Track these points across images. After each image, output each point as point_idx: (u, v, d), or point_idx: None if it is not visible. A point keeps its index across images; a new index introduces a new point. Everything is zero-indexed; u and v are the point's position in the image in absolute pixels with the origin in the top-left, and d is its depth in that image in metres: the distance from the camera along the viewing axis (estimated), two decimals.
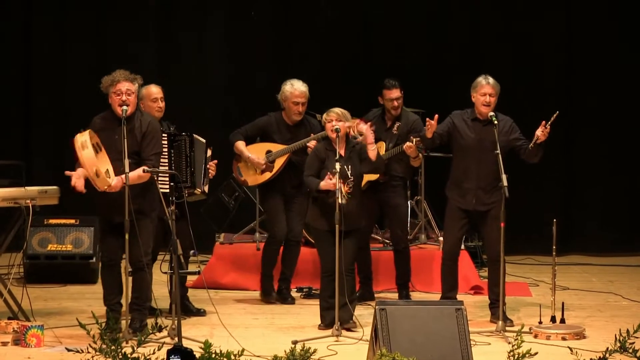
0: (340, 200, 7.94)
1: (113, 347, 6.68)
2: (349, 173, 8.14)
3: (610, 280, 10.44)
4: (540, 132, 8.28)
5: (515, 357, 6.73)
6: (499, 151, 8.19)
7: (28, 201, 8.10)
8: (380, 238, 10.12)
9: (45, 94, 11.65)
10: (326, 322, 8.23)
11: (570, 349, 7.17)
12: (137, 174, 7.76)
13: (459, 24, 11.68)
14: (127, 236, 7.65)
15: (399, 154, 8.99)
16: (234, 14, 11.65)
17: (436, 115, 8.39)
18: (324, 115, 8.31)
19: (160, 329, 7.25)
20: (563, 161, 11.65)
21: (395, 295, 9.32)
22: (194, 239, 7.95)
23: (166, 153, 8.36)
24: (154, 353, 6.72)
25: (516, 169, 8.69)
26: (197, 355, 6.69)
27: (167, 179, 8.20)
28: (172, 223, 7.54)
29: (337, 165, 8.01)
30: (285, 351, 6.80)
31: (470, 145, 8.48)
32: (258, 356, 7.36)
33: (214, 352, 6.58)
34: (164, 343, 6.96)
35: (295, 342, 7.50)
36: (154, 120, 8.10)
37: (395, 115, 9.13)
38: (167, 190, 8.07)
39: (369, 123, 8.39)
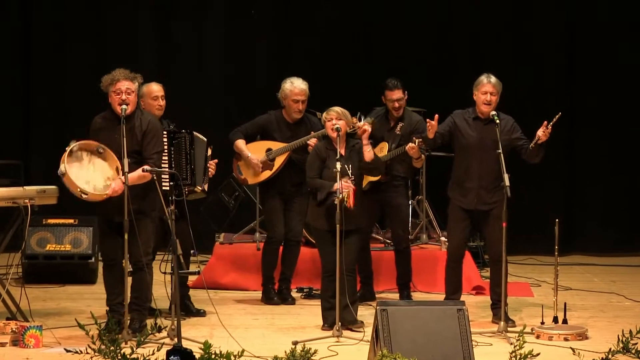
0: (346, 204, 7.91)
1: (112, 348, 6.68)
2: (349, 172, 8.11)
3: (612, 281, 10.43)
4: (542, 133, 8.26)
5: (517, 358, 6.74)
6: (500, 150, 8.17)
7: (27, 201, 8.10)
8: (381, 238, 10.10)
9: (45, 94, 11.66)
10: (329, 323, 8.21)
11: (573, 349, 7.19)
12: (138, 174, 7.75)
13: (459, 24, 11.67)
14: (126, 236, 7.62)
15: (401, 154, 8.96)
16: (234, 13, 11.65)
17: (436, 116, 8.37)
18: (324, 114, 8.30)
19: (159, 330, 7.29)
20: (564, 161, 11.66)
21: (397, 296, 9.31)
22: (194, 239, 7.92)
23: (166, 150, 8.33)
24: (153, 354, 6.74)
25: (517, 169, 8.68)
26: (197, 356, 6.71)
27: (167, 177, 8.18)
28: (172, 223, 7.51)
29: (338, 165, 7.99)
30: (285, 352, 6.81)
31: (472, 145, 8.45)
32: (258, 357, 7.34)
33: (213, 352, 6.59)
34: (163, 344, 6.97)
35: (295, 343, 7.50)
36: (155, 119, 8.08)
37: (397, 116, 9.10)
38: (167, 189, 8.06)
39: (365, 123, 8.31)
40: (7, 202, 8.08)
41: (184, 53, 11.62)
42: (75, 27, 11.58)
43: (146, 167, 7.76)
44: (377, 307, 7.02)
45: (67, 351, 7.19)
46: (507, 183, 8.04)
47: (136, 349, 6.74)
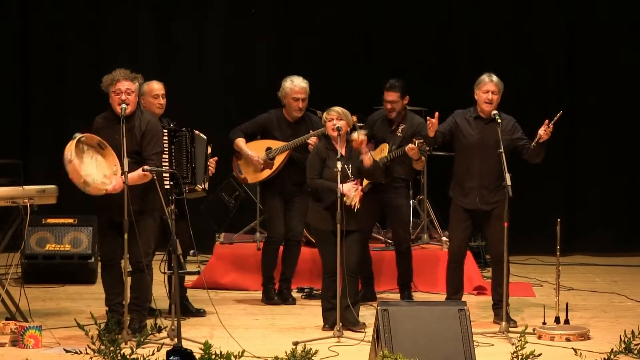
0: (352, 206, 7.89)
1: (112, 348, 6.66)
2: (349, 172, 8.08)
3: (614, 281, 10.42)
4: (543, 132, 8.25)
5: (519, 358, 6.73)
6: (502, 150, 8.14)
7: (26, 200, 8.09)
8: (382, 238, 10.08)
9: (45, 94, 11.66)
10: (329, 323, 8.19)
11: (575, 350, 7.19)
12: (138, 174, 7.74)
13: (459, 24, 11.67)
14: (126, 236, 7.61)
15: (401, 155, 8.94)
16: (234, 13, 11.65)
17: (437, 113, 8.35)
18: (325, 114, 8.28)
19: (159, 330, 7.30)
20: (566, 161, 11.65)
21: (398, 296, 9.29)
22: (194, 239, 7.90)
23: (167, 149, 8.31)
24: (153, 354, 6.75)
25: (518, 169, 8.69)
26: (197, 356, 6.72)
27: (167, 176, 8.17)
28: (171, 223, 7.49)
29: (339, 165, 7.97)
30: (286, 352, 6.81)
31: (473, 144, 8.44)
32: (258, 357, 7.33)
33: (213, 353, 6.59)
34: (163, 344, 6.97)
35: (296, 343, 7.49)
36: (154, 119, 8.07)
37: (390, 118, 9.07)
38: (168, 188, 8.06)
39: (359, 134, 8.26)
40: (6, 202, 8.07)
41: (184, 53, 11.62)
42: (75, 27, 11.59)
43: (146, 166, 7.73)
44: (378, 307, 7.01)
45: (67, 351, 7.19)
46: (509, 183, 8.03)
47: (136, 349, 6.75)
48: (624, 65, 11.57)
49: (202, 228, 9.59)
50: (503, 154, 8.14)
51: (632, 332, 7.07)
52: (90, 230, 10.00)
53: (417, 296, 9.43)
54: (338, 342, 7.85)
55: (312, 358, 6.80)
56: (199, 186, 8.62)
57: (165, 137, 8.31)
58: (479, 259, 10.50)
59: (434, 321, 6.98)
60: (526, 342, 6.81)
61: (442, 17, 11.68)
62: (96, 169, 7.72)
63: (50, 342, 7.73)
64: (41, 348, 7.63)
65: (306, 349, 6.77)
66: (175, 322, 7.37)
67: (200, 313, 8.73)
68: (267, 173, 9.18)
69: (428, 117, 8.37)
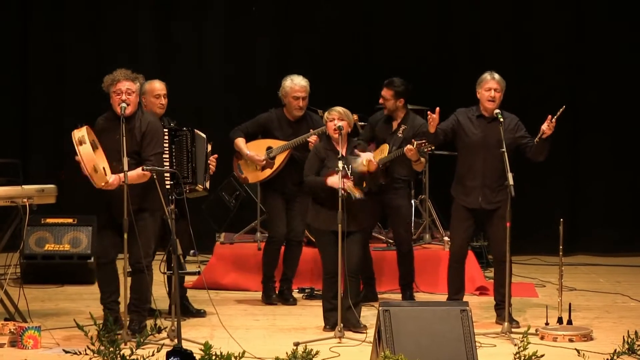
0: (352, 198, 7.84)
1: (111, 349, 6.65)
2: (348, 173, 8.03)
3: (617, 281, 10.41)
4: (546, 127, 8.23)
5: (522, 359, 6.65)
6: (504, 149, 8.11)
7: (25, 200, 8.07)
8: (383, 238, 10.06)
9: (44, 93, 11.68)
10: (330, 324, 8.16)
11: (578, 350, 7.17)
12: (137, 174, 7.72)
13: (459, 24, 11.68)
14: (125, 236, 7.59)
15: (401, 156, 8.91)
16: (234, 13, 11.66)
17: (437, 109, 8.32)
18: (326, 114, 8.26)
19: (159, 331, 7.29)
20: (568, 160, 11.68)
21: (399, 296, 9.28)
22: (194, 239, 7.87)
23: (167, 149, 8.29)
24: (153, 355, 6.73)
25: (521, 168, 8.66)
26: (197, 357, 6.73)
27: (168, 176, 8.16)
28: (171, 222, 7.47)
29: (340, 164, 7.93)
30: (287, 353, 6.77)
31: (475, 143, 8.41)
32: (259, 358, 7.31)
33: (214, 354, 6.58)
34: (163, 345, 6.95)
35: (297, 344, 7.48)
36: (155, 120, 8.05)
37: (392, 119, 9.03)
38: (168, 188, 8.05)
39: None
40: (5, 202, 8.06)
41: (184, 53, 11.65)
42: (75, 27, 11.61)
43: (145, 166, 7.70)
44: (380, 308, 7.00)
45: (66, 352, 7.18)
46: (511, 182, 8.00)
47: (136, 350, 6.74)
48: (625, 64, 11.58)
49: (202, 228, 9.58)
50: (505, 154, 8.12)
51: (636, 332, 7.03)
52: (90, 230, 9.99)
53: (419, 296, 9.42)
54: (339, 342, 7.82)
55: (313, 359, 6.77)
56: (200, 186, 8.60)
57: (166, 137, 8.30)
58: (481, 259, 10.50)
59: (436, 322, 6.97)
60: (529, 343, 6.78)
61: (442, 17, 11.70)
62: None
63: (49, 342, 7.71)
64: (40, 349, 7.61)
65: (307, 350, 6.74)
66: (175, 323, 7.35)
67: (200, 313, 8.70)
68: (267, 173, 9.16)
69: (429, 112, 8.33)
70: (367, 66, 11.51)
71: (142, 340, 6.81)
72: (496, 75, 8.43)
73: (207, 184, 8.71)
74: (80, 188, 8.38)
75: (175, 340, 7.28)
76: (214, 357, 6.56)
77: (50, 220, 10.08)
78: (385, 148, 9.02)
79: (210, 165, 8.73)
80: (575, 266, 11.02)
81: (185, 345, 7.15)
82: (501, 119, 8.28)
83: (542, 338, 7.95)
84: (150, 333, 7.03)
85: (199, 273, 8.74)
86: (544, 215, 11.09)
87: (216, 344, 7.07)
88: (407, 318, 6.94)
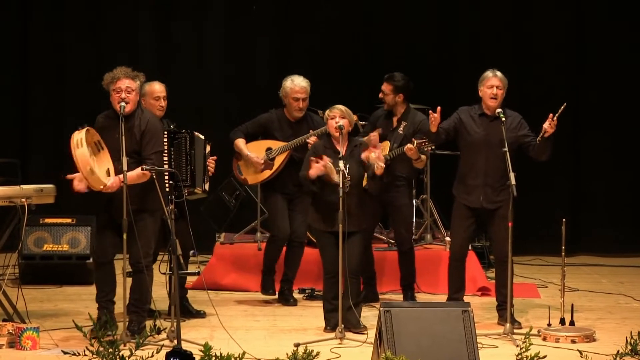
0: (340, 192, 7.83)
1: (110, 350, 6.62)
2: (346, 172, 7.98)
3: (620, 282, 10.39)
4: (548, 125, 8.21)
5: None
6: (506, 149, 8.08)
7: (23, 200, 8.06)
8: (384, 238, 10.03)
9: (44, 93, 11.67)
10: (331, 325, 8.13)
11: (580, 352, 7.16)
12: (137, 174, 7.71)
13: (459, 23, 11.68)
14: (124, 236, 7.57)
15: (402, 154, 8.87)
16: (234, 13, 11.66)
17: (439, 108, 8.28)
18: (327, 112, 8.24)
19: (159, 331, 7.31)
20: (571, 160, 11.67)
21: (400, 297, 9.24)
22: (194, 239, 7.85)
23: (166, 151, 8.26)
24: (152, 356, 6.76)
25: (524, 168, 8.64)
26: (197, 358, 6.73)
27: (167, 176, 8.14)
28: (171, 223, 7.44)
29: (341, 164, 7.90)
30: (287, 354, 6.77)
31: (477, 141, 8.39)
32: (259, 359, 7.27)
33: (214, 354, 6.59)
34: (162, 346, 7.01)
35: (297, 345, 7.44)
36: (155, 118, 8.03)
37: (386, 109, 9.01)
38: (167, 189, 8.01)
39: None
40: (4, 201, 8.04)
41: (184, 53, 11.64)
42: (75, 27, 11.60)
43: (144, 166, 7.69)
44: (381, 309, 6.99)
45: (65, 353, 7.16)
46: (513, 182, 7.98)
47: (135, 351, 6.75)
48: (625, 64, 11.57)
49: (202, 228, 9.55)
50: (507, 153, 8.08)
51: (639, 333, 7.06)
52: (89, 230, 9.96)
53: (420, 297, 9.40)
54: (340, 343, 7.80)
55: None
56: (199, 189, 8.57)
57: (165, 139, 8.28)
58: (483, 259, 10.50)
59: (437, 322, 6.96)
60: (531, 344, 6.78)
61: (442, 16, 11.69)
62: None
63: (48, 343, 7.69)
64: (39, 350, 7.58)
65: (307, 351, 6.73)
66: (175, 324, 7.31)
67: (200, 314, 8.67)
68: (267, 174, 9.13)
69: (430, 111, 8.30)
70: (367, 66, 11.50)
71: (141, 341, 6.82)
72: (498, 73, 8.40)
73: (206, 186, 8.68)
74: None
75: (175, 341, 7.26)
76: (213, 358, 6.56)
77: (48, 221, 10.05)
78: (386, 146, 8.99)
79: (209, 167, 8.69)
80: (578, 267, 11.01)
81: (185, 346, 7.13)
82: (503, 118, 8.26)
83: (544, 339, 7.93)
84: (149, 334, 7.04)
85: (198, 273, 8.71)
86: (546, 215, 11.08)
87: (216, 344, 7.05)
88: (408, 319, 6.93)
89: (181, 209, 7.97)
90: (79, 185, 7.71)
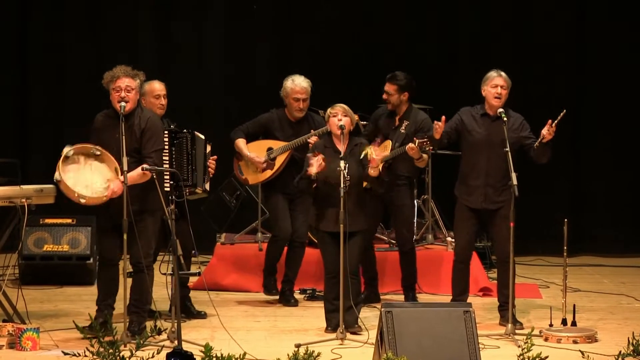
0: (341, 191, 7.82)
1: (111, 351, 6.61)
2: (345, 172, 7.95)
3: (622, 282, 10.38)
4: (546, 131, 8.20)
5: None
6: (508, 149, 8.06)
7: (23, 200, 8.04)
8: (386, 238, 10.01)
9: (44, 93, 11.67)
10: (332, 325, 8.11)
11: (582, 352, 7.12)
12: (137, 174, 7.70)
13: (460, 23, 11.67)
14: (125, 236, 7.54)
15: (403, 153, 8.86)
16: (234, 13, 11.66)
17: (443, 117, 8.26)
18: (329, 110, 8.23)
19: (159, 332, 7.26)
20: (572, 160, 11.66)
21: (402, 297, 9.22)
22: (195, 239, 7.82)
23: (167, 150, 8.26)
24: (153, 357, 6.75)
25: (525, 168, 8.62)
26: (198, 358, 6.69)
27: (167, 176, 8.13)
28: (172, 223, 7.42)
29: (342, 163, 7.88)
30: (288, 355, 6.75)
31: (479, 142, 8.37)
32: None
33: (214, 355, 6.58)
34: (163, 346, 7.01)
35: (298, 346, 7.42)
36: (155, 117, 8.03)
37: (390, 109, 8.99)
38: (168, 189, 8.01)
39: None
40: (4, 202, 8.02)
41: (184, 53, 11.64)
42: (75, 27, 11.60)
43: (145, 165, 7.67)
44: (382, 309, 6.98)
45: (65, 354, 7.12)
46: (515, 182, 7.95)
47: (135, 351, 6.74)
48: (625, 64, 11.56)
49: (203, 228, 9.54)
50: (509, 153, 8.06)
51: None
52: (89, 231, 9.94)
53: (422, 297, 9.38)
54: (341, 344, 7.78)
55: None
56: (199, 189, 8.55)
57: (166, 139, 8.28)
58: (485, 259, 10.48)
59: (439, 323, 6.95)
60: (532, 345, 6.75)
61: (443, 16, 11.68)
62: (95, 176, 7.68)
63: (48, 344, 7.67)
64: (39, 350, 7.57)
65: (308, 352, 6.71)
66: (176, 324, 7.29)
67: (200, 315, 8.65)
68: (268, 174, 9.11)
69: (435, 122, 8.27)
70: (367, 66, 11.49)
71: (141, 341, 6.79)
72: (502, 73, 8.40)
73: (207, 186, 8.66)
74: None
75: (176, 342, 7.23)
76: (214, 359, 6.52)
77: (49, 221, 10.04)
78: (388, 145, 8.98)
79: (210, 167, 8.67)
80: (580, 267, 10.98)
81: (186, 346, 7.11)
82: (504, 118, 8.24)
83: (546, 339, 7.91)
84: (150, 334, 7.02)
85: (199, 274, 8.69)
86: (548, 215, 11.04)
87: (217, 345, 7.03)
88: (409, 319, 6.92)
89: (182, 209, 7.96)
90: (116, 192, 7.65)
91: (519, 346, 7.46)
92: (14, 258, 8.71)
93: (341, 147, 8.07)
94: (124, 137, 7.61)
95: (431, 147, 8.54)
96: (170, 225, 7.47)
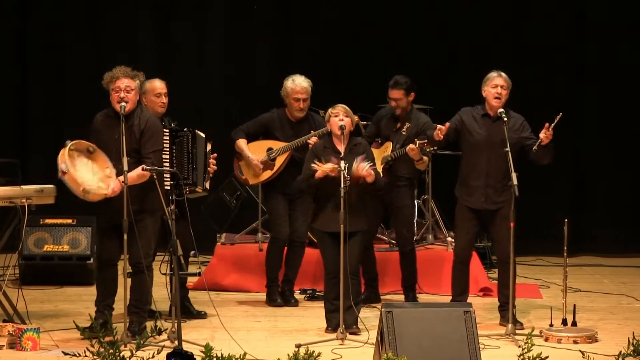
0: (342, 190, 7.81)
1: (111, 351, 6.60)
2: (345, 172, 7.95)
3: (622, 282, 10.38)
4: (544, 135, 8.18)
5: None
6: (508, 149, 8.05)
7: (24, 200, 8.03)
8: (386, 238, 10.00)
9: (44, 93, 11.66)
10: (332, 326, 8.11)
11: (582, 352, 7.11)
12: (137, 173, 7.68)
13: (460, 23, 11.66)
14: (125, 237, 7.53)
15: (404, 154, 8.85)
16: (234, 13, 11.64)
17: (447, 124, 8.25)
18: (330, 110, 8.22)
19: (159, 332, 7.27)
20: (572, 160, 11.64)
21: (402, 297, 9.21)
22: (195, 240, 7.82)
23: (167, 149, 8.24)
24: (153, 357, 6.75)
25: (526, 168, 8.61)
26: (198, 359, 6.66)
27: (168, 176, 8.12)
28: (172, 223, 7.42)
29: (342, 163, 7.88)
30: (288, 355, 6.75)
31: (479, 142, 8.37)
32: None
33: (215, 355, 6.57)
34: (163, 346, 7.01)
35: (298, 346, 7.41)
36: (154, 118, 8.02)
37: (398, 115, 8.99)
38: (168, 189, 8.01)
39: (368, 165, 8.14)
40: (4, 202, 8.01)
41: (184, 53, 11.64)
42: (75, 27, 11.59)
43: (145, 166, 7.66)
44: (382, 309, 6.97)
45: (65, 354, 7.11)
46: (515, 182, 7.95)
47: (135, 352, 6.73)
48: (625, 64, 11.56)
49: (203, 228, 9.53)
50: (509, 153, 8.06)
51: None
52: (89, 231, 9.94)
53: (422, 297, 9.37)
54: (341, 344, 7.77)
55: None
56: (200, 188, 8.55)
57: (167, 137, 8.27)
58: (485, 259, 10.47)
59: (439, 323, 6.94)
60: (533, 345, 6.76)
61: (443, 16, 11.68)
62: (92, 175, 7.65)
63: (48, 344, 7.66)
64: (39, 351, 7.56)
65: (309, 352, 6.70)
66: (176, 324, 7.28)
67: (201, 315, 8.64)
68: (268, 174, 9.11)
69: (438, 126, 8.26)
70: (367, 66, 11.49)
71: (142, 341, 6.79)
72: (503, 74, 8.39)
73: (207, 184, 8.66)
74: None
75: (176, 342, 7.23)
76: (214, 359, 6.51)
77: (49, 221, 10.03)
78: (389, 146, 8.98)
79: (211, 165, 8.67)
80: (580, 267, 10.98)
81: (186, 347, 7.10)
82: (505, 118, 8.23)
83: (546, 340, 7.90)
84: (150, 335, 7.02)
85: (199, 274, 8.69)
86: (548, 215, 11.05)
87: (217, 345, 7.02)
88: (409, 319, 6.91)
89: (181, 208, 7.95)
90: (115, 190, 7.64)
91: (519, 346, 7.45)
92: (14, 258, 8.69)
93: (341, 148, 8.08)
94: (124, 137, 7.61)
95: (432, 148, 8.54)
96: (170, 226, 7.47)
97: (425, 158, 8.81)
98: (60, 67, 11.58)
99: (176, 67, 11.48)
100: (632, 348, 7.02)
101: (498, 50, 11.53)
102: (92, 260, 9.87)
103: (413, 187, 9.35)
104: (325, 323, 8.22)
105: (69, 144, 7.63)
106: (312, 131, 9.00)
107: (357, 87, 11.26)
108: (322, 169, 7.97)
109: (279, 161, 9.09)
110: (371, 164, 8.04)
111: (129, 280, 7.73)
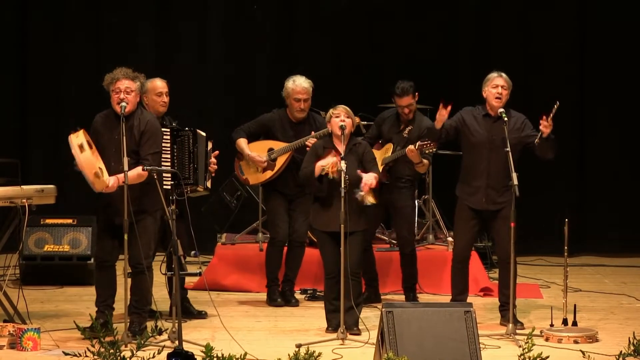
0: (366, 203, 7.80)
1: (112, 351, 6.60)
2: (344, 172, 7.94)
3: (623, 282, 10.38)
4: (543, 126, 8.15)
5: None
6: (509, 149, 8.05)
7: (24, 200, 8.02)
8: (386, 239, 9.99)
9: (43, 90, 11.67)
10: (333, 326, 8.10)
11: (583, 352, 7.12)
12: (136, 173, 7.68)
13: (462, 22, 11.67)
14: (125, 237, 7.53)
15: (404, 156, 8.85)
16: (234, 13, 11.65)
17: (449, 106, 8.24)
18: (331, 110, 8.21)
19: (160, 332, 7.27)
20: (573, 160, 11.65)
21: (403, 297, 9.21)
22: (195, 240, 7.82)
23: (169, 149, 8.24)
24: (153, 357, 6.76)
25: (527, 168, 8.60)
26: (199, 359, 6.66)
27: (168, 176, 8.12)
28: (172, 223, 7.42)
29: (343, 164, 7.87)
30: (289, 355, 6.76)
31: (480, 142, 8.36)
32: None
33: (215, 355, 6.57)
34: (164, 347, 7.01)
35: (299, 346, 7.41)
36: (154, 119, 8.02)
37: (407, 119, 9.01)
38: (168, 189, 8.01)
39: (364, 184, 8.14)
40: (4, 202, 8.01)
41: (184, 53, 11.61)
42: (75, 26, 11.61)
43: (145, 165, 7.66)
44: (383, 309, 6.97)
45: (66, 354, 7.12)
46: (516, 182, 7.95)
47: (136, 352, 6.74)
48: (625, 64, 11.57)
49: (204, 228, 9.52)
50: (510, 153, 8.05)
51: None
52: (90, 231, 9.94)
53: (423, 298, 9.37)
54: (342, 344, 7.76)
55: None
56: (201, 187, 8.55)
57: (168, 137, 8.27)
58: (486, 259, 10.47)
59: (440, 323, 6.94)
60: (533, 345, 6.77)
61: (443, 16, 11.68)
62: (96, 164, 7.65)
63: (48, 344, 7.66)
64: (40, 351, 7.55)
65: (309, 352, 6.70)
66: (176, 324, 7.28)
67: (201, 315, 8.65)
68: (268, 174, 9.10)
69: (441, 106, 8.24)
70: (367, 66, 11.48)
71: (142, 342, 6.79)
72: (503, 74, 8.40)
73: (208, 183, 8.66)
74: (80, 188, 8.33)
75: (176, 342, 7.22)
76: (215, 359, 6.51)
77: (49, 221, 10.03)
78: (390, 147, 8.98)
79: (212, 164, 8.67)
80: (580, 267, 10.99)
81: (186, 347, 7.11)
82: (505, 118, 8.23)
83: (546, 339, 7.90)
84: (150, 335, 7.02)
85: (200, 274, 8.69)
86: (549, 215, 11.07)
87: (217, 345, 7.02)
88: (410, 319, 6.91)
89: (181, 208, 7.95)
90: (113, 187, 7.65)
91: (519, 346, 7.44)
92: (15, 258, 8.68)
93: (341, 148, 8.07)
94: (124, 138, 7.61)
95: (431, 150, 8.53)
96: (171, 226, 7.47)
97: (425, 161, 8.81)
98: (60, 67, 11.57)
99: (176, 68, 11.48)
100: (632, 348, 7.03)
101: (498, 51, 11.53)
102: (92, 260, 9.87)
103: (414, 188, 9.35)
104: (326, 323, 8.22)
105: (80, 131, 7.63)
106: (312, 132, 9.00)
107: (357, 87, 11.26)
108: (321, 164, 7.95)
109: (280, 161, 9.09)
110: (368, 180, 8.02)
111: (129, 280, 7.73)
